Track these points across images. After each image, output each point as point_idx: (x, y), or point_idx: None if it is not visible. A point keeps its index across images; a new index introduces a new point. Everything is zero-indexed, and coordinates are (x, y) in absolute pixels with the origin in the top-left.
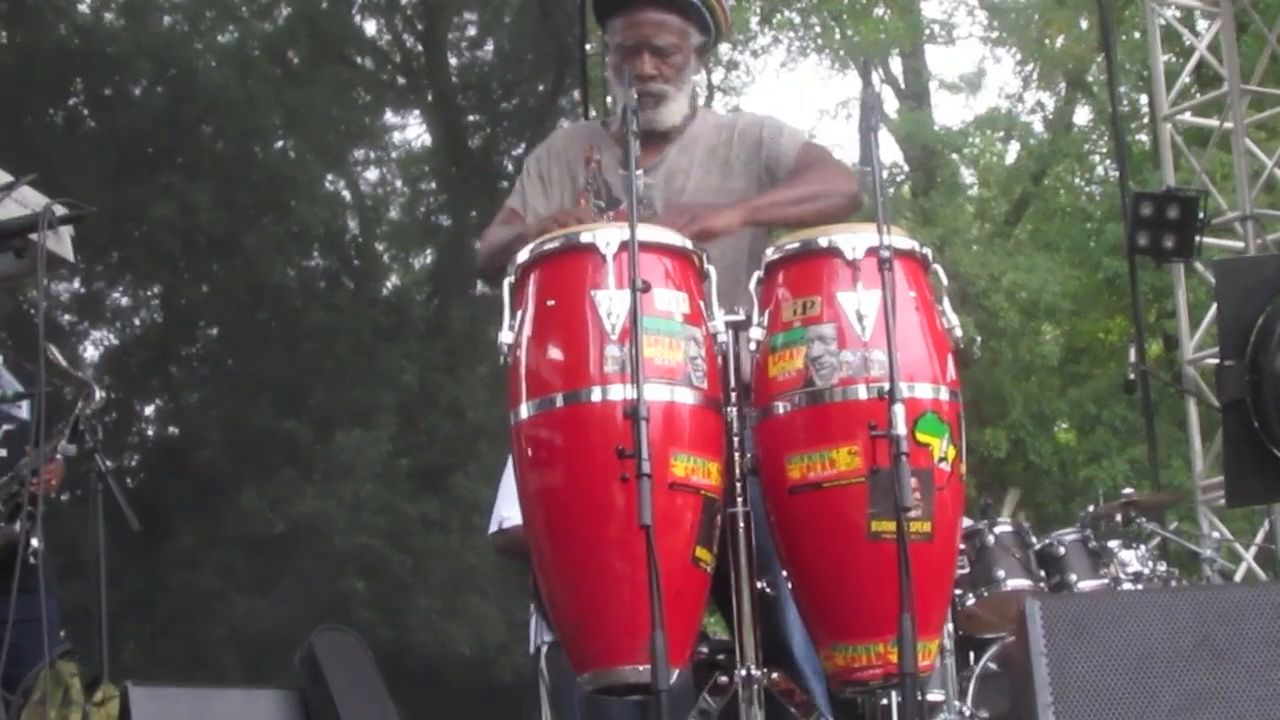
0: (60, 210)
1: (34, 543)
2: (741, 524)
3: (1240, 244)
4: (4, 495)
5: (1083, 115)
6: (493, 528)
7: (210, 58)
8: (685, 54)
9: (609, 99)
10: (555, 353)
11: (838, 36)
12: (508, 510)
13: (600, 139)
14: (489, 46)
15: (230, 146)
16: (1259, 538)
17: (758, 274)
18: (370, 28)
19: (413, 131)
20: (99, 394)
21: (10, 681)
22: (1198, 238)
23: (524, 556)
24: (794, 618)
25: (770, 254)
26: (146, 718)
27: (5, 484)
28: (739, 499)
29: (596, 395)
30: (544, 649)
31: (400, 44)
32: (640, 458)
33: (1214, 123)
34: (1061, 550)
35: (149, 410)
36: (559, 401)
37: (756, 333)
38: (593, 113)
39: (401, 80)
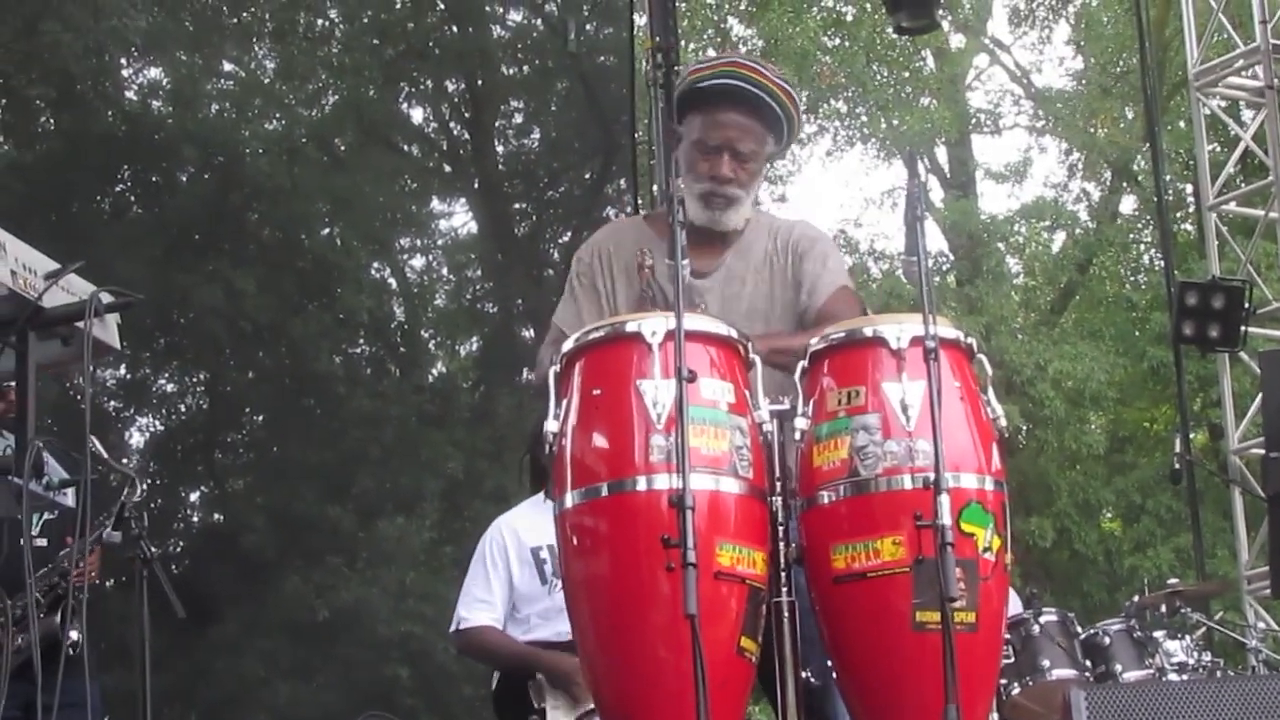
0: (107, 298)
1: (72, 635)
2: (786, 614)
3: None
4: (44, 586)
5: (1128, 204)
6: (452, 627)
7: (257, 145)
8: (760, 161)
9: (655, 187)
10: (600, 441)
11: (884, 126)
12: (465, 611)
13: (648, 239)
14: (536, 134)
15: (276, 233)
16: None
17: (802, 364)
18: (417, 115)
19: (459, 219)
20: (141, 487)
21: None
22: (1243, 327)
23: (481, 659)
24: (841, 709)
25: (815, 344)
26: None
27: (45, 575)
28: (784, 588)
29: (642, 484)
30: None
31: (447, 131)
32: (685, 547)
33: (1259, 212)
34: (1107, 640)
35: (194, 496)
36: (604, 490)
37: (801, 422)
38: (640, 200)
39: (448, 168)
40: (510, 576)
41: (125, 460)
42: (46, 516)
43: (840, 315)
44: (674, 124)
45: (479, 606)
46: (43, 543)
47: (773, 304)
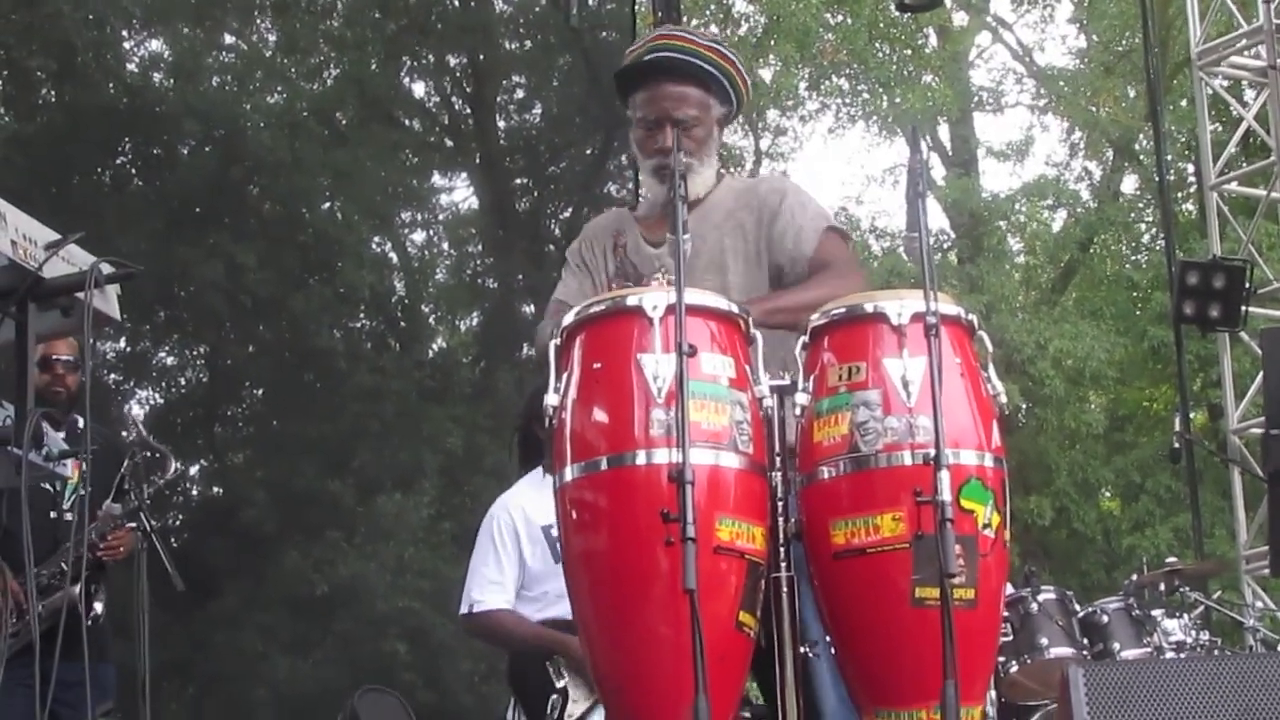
0: (107, 268)
1: (97, 607)
2: (785, 589)
3: None
4: (69, 559)
5: (1130, 184)
6: (463, 609)
7: (258, 119)
8: (708, 126)
9: (635, 171)
10: (600, 416)
11: (885, 103)
12: (478, 594)
13: (626, 222)
14: (537, 110)
15: (277, 207)
16: None
17: (803, 339)
18: (419, 90)
19: (460, 194)
20: (175, 465)
21: None
22: (1244, 307)
23: (493, 642)
24: (827, 682)
25: (816, 319)
26: None
27: (72, 548)
28: (783, 564)
29: (641, 459)
30: None
31: (449, 106)
32: (685, 522)
33: (1261, 192)
34: (1105, 619)
35: (194, 470)
36: (604, 465)
37: (802, 398)
38: (640, 176)
39: (449, 143)
40: (521, 556)
41: (125, 433)
42: (80, 492)
43: (832, 259)
44: (624, 110)
45: (491, 589)
46: (71, 517)
47: (730, 256)
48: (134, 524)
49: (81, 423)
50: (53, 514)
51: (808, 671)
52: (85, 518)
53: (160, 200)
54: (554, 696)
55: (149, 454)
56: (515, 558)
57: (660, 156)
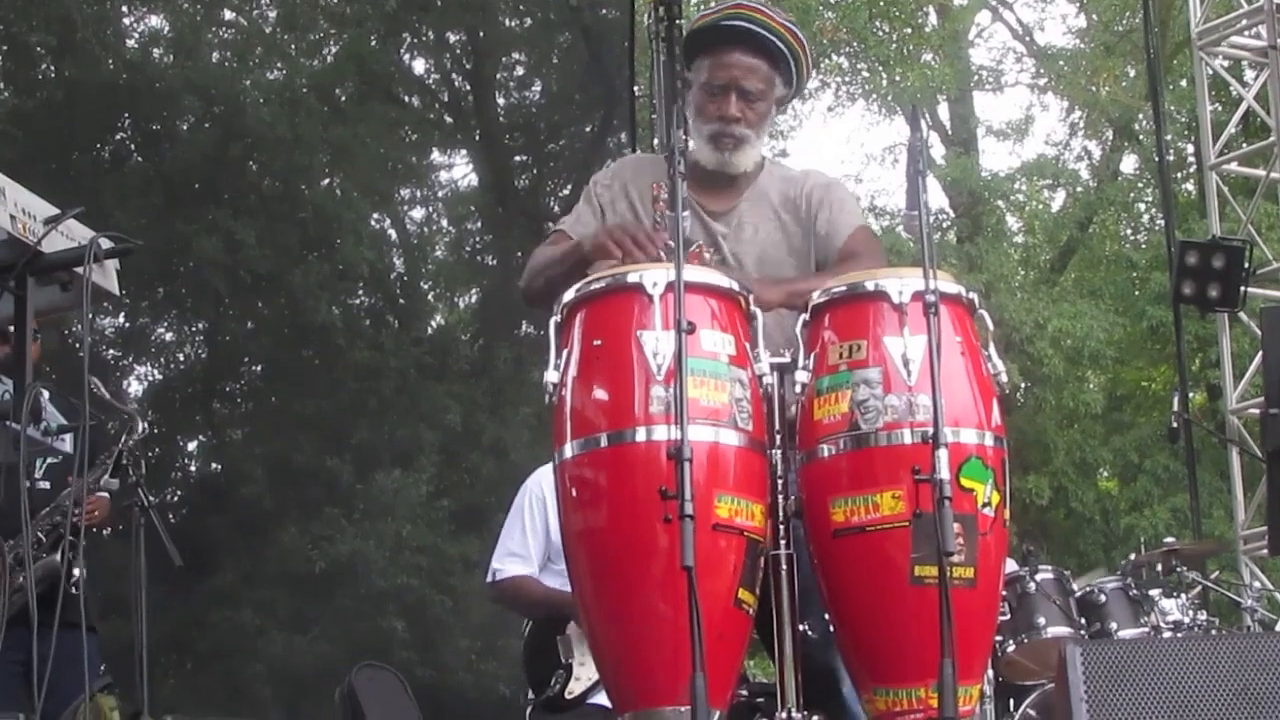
0: (106, 244)
1: (75, 572)
2: (784, 566)
3: None
4: (46, 527)
5: (1129, 163)
6: (488, 578)
7: (258, 95)
8: (769, 102)
9: (655, 141)
10: (600, 393)
11: (885, 82)
12: (499, 563)
13: (665, 175)
14: (537, 87)
15: (276, 184)
16: None
17: (803, 317)
18: (419, 67)
19: (459, 171)
20: (142, 425)
21: (50, 717)
22: (1243, 287)
23: (516, 609)
24: (838, 662)
25: (816, 297)
26: None
27: (47, 515)
28: (782, 541)
29: (641, 436)
30: (528, 710)
31: (448, 83)
32: (683, 499)
33: (1260, 173)
34: (1102, 598)
35: (192, 446)
36: (603, 441)
37: (802, 375)
38: (640, 153)
39: (449, 119)
40: (548, 529)
41: (124, 406)
42: (50, 461)
43: (860, 253)
44: (683, 71)
45: (512, 559)
46: (45, 485)
47: (784, 252)
48: (134, 499)
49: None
50: (25, 483)
51: (822, 652)
52: (84, 488)
53: (159, 176)
54: (559, 671)
55: (121, 417)
56: (542, 530)
57: (720, 123)
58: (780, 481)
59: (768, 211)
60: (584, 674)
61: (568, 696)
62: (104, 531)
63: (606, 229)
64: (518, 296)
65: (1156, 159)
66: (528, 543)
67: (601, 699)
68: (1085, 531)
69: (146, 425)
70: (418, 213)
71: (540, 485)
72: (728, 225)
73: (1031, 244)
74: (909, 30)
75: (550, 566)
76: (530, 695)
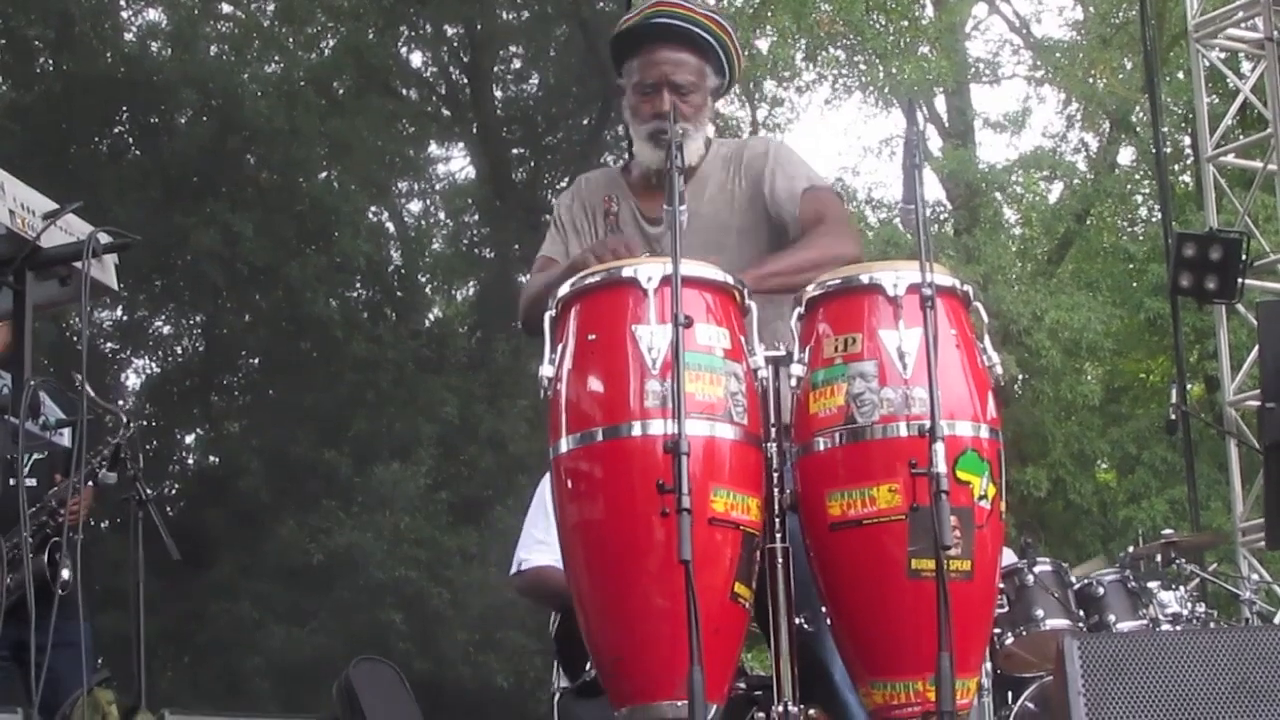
0: (105, 238)
1: (64, 574)
2: (780, 560)
3: None
4: (32, 525)
5: (1126, 155)
6: (512, 569)
7: (255, 88)
8: (703, 94)
9: (625, 142)
10: (596, 387)
11: (882, 75)
12: (525, 554)
13: (618, 188)
14: (534, 80)
15: (274, 177)
16: None
17: (798, 310)
18: (416, 59)
19: (457, 164)
20: (128, 422)
21: (48, 709)
22: (1240, 279)
23: (541, 600)
24: (834, 655)
25: (811, 290)
26: None
27: (34, 514)
28: (778, 535)
29: (637, 430)
30: (557, 696)
31: (446, 76)
32: (680, 493)
33: (1257, 164)
34: (1100, 590)
35: (189, 439)
36: (599, 436)
37: (797, 369)
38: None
39: (446, 112)
40: None
41: (120, 402)
42: (36, 456)
43: (822, 215)
44: (616, 78)
45: (538, 548)
46: (32, 482)
47: (726, 232)
48: (131, 493)
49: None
50: (11, 480)
51: (817, 644)
52: (78, 484)
53: (157, 169)
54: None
55: (101, 415)
56: None
57: (657, 121)
58: (776, 475)
59: (710, 194)
60: None
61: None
62: (102, 524)
63: (591, 248)
64: (515, 289)
65: (1154, 151)
66: (550, 532)
67: None
68: (1083, 523)
69: (135, 424)
70: (415, 205)
71: None
72: (666, 225)
73: (1029, 236)
74: (905, 23)
75: None
76: (559, 684)
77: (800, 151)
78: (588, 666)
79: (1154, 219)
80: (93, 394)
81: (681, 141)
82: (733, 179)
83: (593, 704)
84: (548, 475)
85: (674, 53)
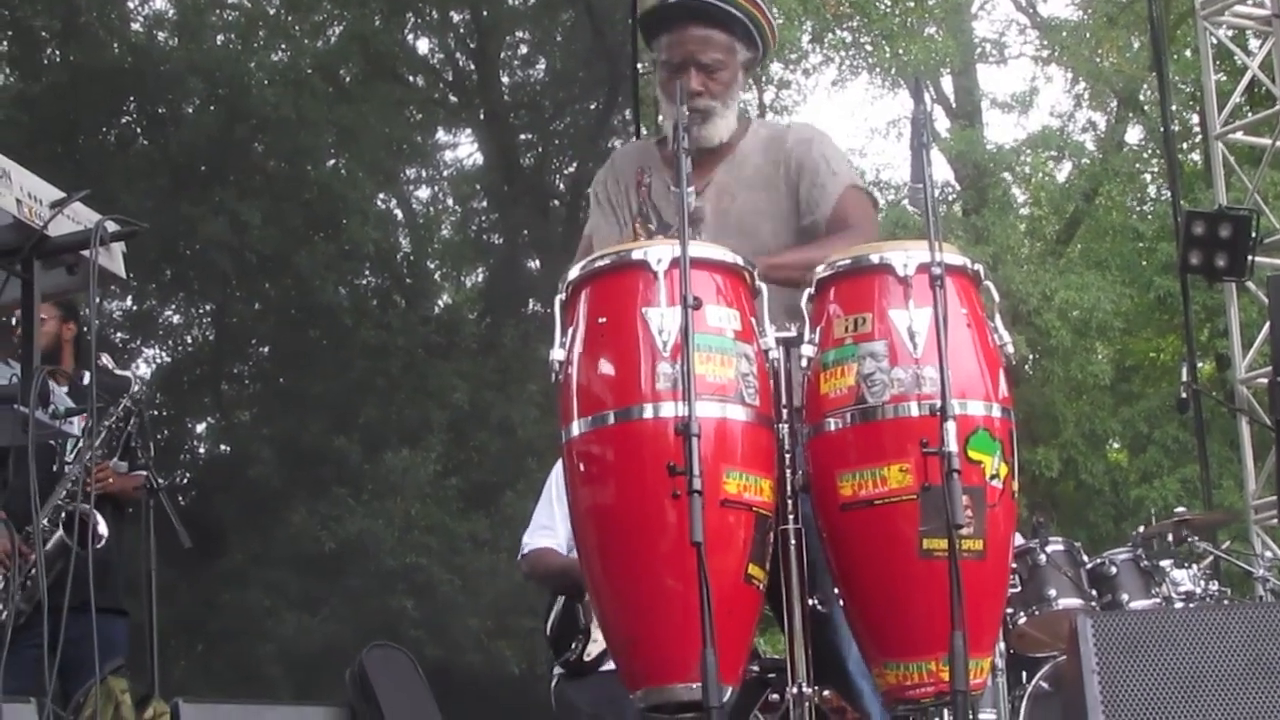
0: (112, 226)
1: (100, 528)
2: (793, 541)
3: None
4: (54, 506)
5: (1134, 134)
6: (520, 553)
7: (262, 76)
8: (732, 70)
9: (660, 118)
10: (607, 370)
11: (888, 55)
12: (529, 538)
13: (652, 160)
14: (541, 65)
15: (282, 165)
16: None
17: (809, 290)
18: (423, 46)
19: (464, 150)
20: (137, 387)
21: (67, 696)
22: (1250, 257)
23: (542, 582)
24: (847, 635)
25: (821, 270)
26: None
27: (58, 494)
28: (790, 516)
29: (648, 412)
30: (553, 682)
31: (453, 62)
32: (691, 474)
33: (1266, 141)
34: (1113, 570)
35: (200, 428)
36: (611, 419)
37: (808, 350)
38: (644, 131)
39: (454, 99)
40: None
41: (136, 387)
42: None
43: (851, 219)
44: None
45: (541, 533)
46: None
47: (762, 217)
48: (142, 482)
49: (86, 378)
50: (54, 468)
51: (828, 627)
52: (90, 471)
53: (165, 158)
54: (579, 635)
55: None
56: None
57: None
58: (788, 456)
59: (748, 177)
60: (602, 637)
61: (586, 659)
62: (127, 509)
63: None
64: (524, 274)
65: (1161, 129)
66: (554, 518)
67: None
68: (1095, 503)
69: (142, 389)
70: (423, 192)
71: None
72: (704, 199)
73: (1037, 216)
74: (911, 3)
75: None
76: (555, 668)
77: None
78: (573, 645)
79: (1163, 197)
80: (108, 364)
81: (689, 125)
82: (773, 164)
83: (584, 685)
84: (559, 462)
85: (701, 30)
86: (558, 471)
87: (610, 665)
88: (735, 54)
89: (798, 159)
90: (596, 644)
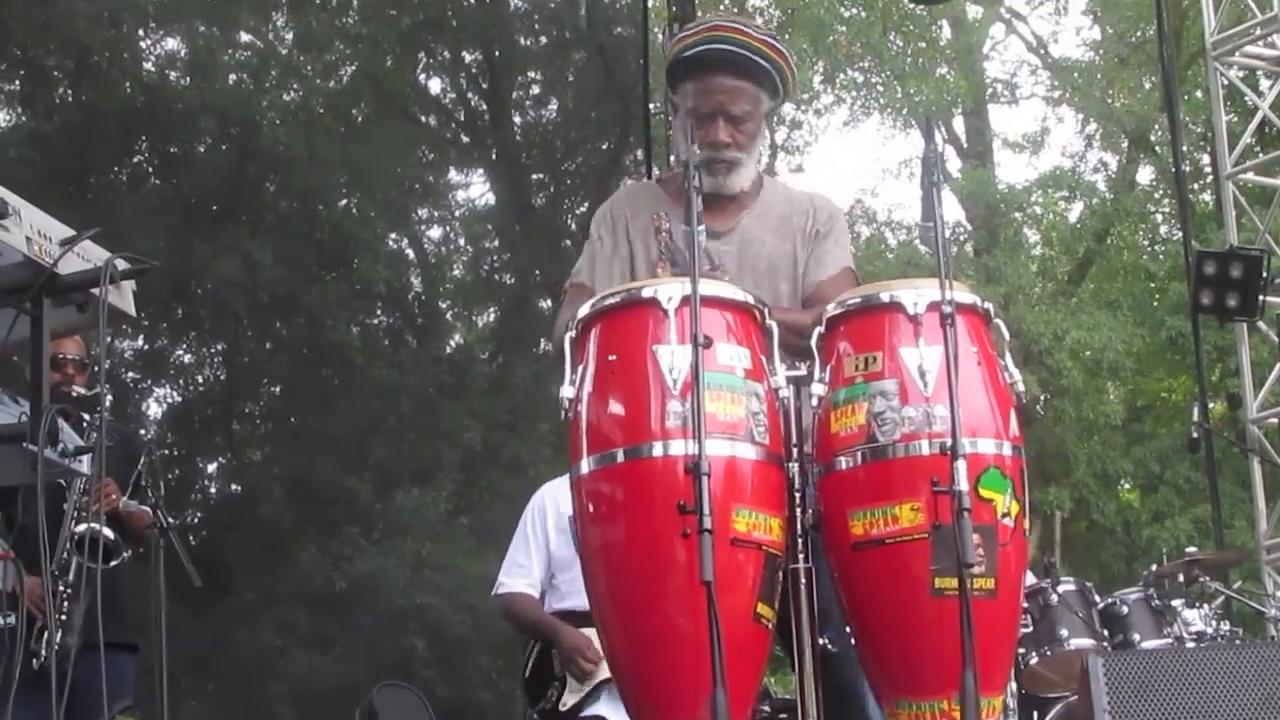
0: (122, 264)
1: (108, 533)
2: (804, 580)
3: None
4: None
5: (1145, 174)
6: (494, 591)
7: (274, 116)
8: (757, 121)
9: (673, 158)
10: (617, 408)
11: (900, 95)
12: (504, 576)
13: (662, 202)
14: (553, 105)
15: (293, 204)
16: None
17: (819, 329)
18: (434, 86)
19: (476, 189)
20: (152, 450)
21: None
22: (1261, 296)
23: (511, 625)
24: (858, 675)
25: (831, 309)
26: None
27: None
28: (801, 555)
29: (658, 450)
30: None
31: (464, 102)
32: (701, 513)
33: (1277, 181)
34: (1125, 609)
35: (211, 467)
36: (620, 457)
37: (818, 388)
38: (655, 171)
39: (465, 138)
40: (548, 544)
41: (142, 431)
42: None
43: (834, 296)
44: (670, 96)
45: (516, 572)
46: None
47: (794, 263)
48: (150, 520)
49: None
50: (64, 505)
51: (843, 666)
52: (91, 493)
53: (177, 197)
54: (555, 683)
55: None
56: (543, 545)
57: (711, 149)
58: (798, 495)
59: (773, 224)
60: (574, 685)
61: (562, 709)
62: (124, 553)
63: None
64: (536, 314)
65: (1173, 169)
66: (530, 557)
67: (595, 709)
68: (1107, 543)
69: (151, 444)
70: (435, 232)
71: (543, 498)
72: (730, 243)
73: (1049, 256)
74: (923, 44)
75: (553, 581)
76: (530, 712)
77: (823, 179)
78: (549, 693)
79: (1174, 237)
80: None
81: (731, 166)
82: (801, 215)
83: None
84: (534, 496)
85: (732, 81)
86: (533, 506)
87: (588, 711)
88: (760, 104)
89: (822, 223)
90: (572, 694)
